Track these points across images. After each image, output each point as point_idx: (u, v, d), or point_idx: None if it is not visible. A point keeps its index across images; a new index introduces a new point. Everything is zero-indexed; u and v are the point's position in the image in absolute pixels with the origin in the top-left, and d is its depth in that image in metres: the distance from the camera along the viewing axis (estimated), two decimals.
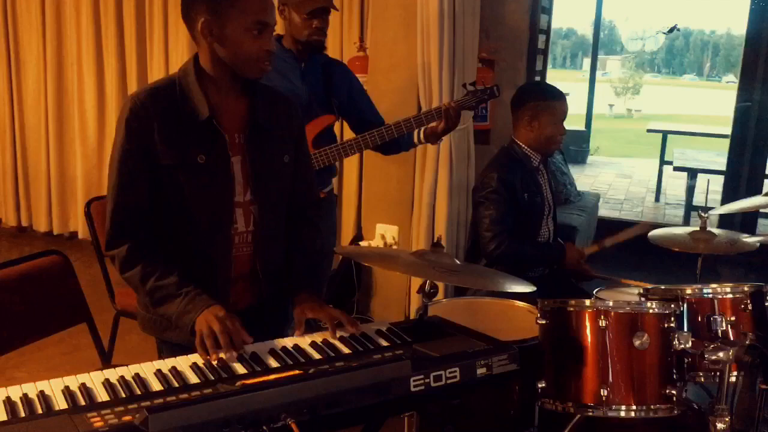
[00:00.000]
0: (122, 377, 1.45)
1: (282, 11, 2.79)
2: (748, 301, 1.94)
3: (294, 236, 1.97)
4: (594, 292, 2.64)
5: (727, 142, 6.13)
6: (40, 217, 5.48)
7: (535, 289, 1.94)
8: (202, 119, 1.75)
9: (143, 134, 1.73)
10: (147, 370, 1.50)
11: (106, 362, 2.53)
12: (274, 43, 1.75)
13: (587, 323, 1.86)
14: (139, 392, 1.41)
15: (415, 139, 2.94)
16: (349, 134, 3.04)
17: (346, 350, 1.66)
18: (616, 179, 10.06)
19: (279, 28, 3.96)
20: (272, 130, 1.86)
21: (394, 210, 3.93)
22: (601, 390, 1.81)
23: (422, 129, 2.89)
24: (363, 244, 4.05)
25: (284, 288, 1.89)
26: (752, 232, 5.30)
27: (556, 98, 2.83)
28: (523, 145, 2.84)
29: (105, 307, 3.09)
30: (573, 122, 11.79)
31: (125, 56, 4.98)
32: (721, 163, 6.74)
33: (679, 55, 39.11)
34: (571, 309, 1.89)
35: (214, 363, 1.55)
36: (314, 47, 2.83)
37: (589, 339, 1.86)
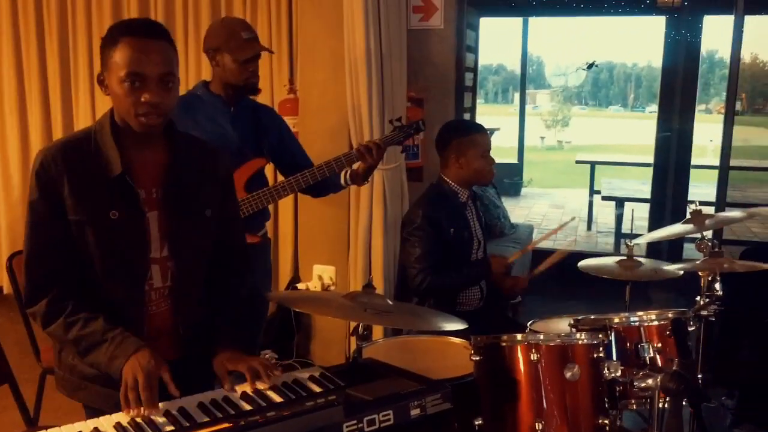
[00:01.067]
0: None
1: (212, 57, 2.77)
2: (671, 328, 2.00)
3: (218, 287, 1.93)
4: (528, 324, 2.67)
5: (651, 170, 6.38)
6: None
7: (466, 326, 1.95)
8: (113, 175, 1.70)
9: (52, 187, 1.68)
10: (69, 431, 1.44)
11: (31, 424, 2.42)
12: (156, 94, 1.65)
13: (520, 357, 1.88)
14: None
15: (342, 181, 2.94)
16: (281, 177, 3.03)
17: (277, 399, 1.63)
18: (550, 210, 10.30)
19: (206, 74, 3.98)
20: (192, 182, 1.82)
21: (331, 250, 3.93)
22: (537, 424, 1.82)
23: (346, 171, 2.90)
24: (300, 286, 4.01)
25: (207, 342, 1.85)
26: (679, 257, 5.49)
27: (477, 131, 2.92)
28: (451, 182, 2.89)
29: (32, 365, 2.96)
30: (506, 155, 12.08)
31: (50, 105, 4.86)
32: (646, 191, 7.00)
33: (604, 87, 40.61)
34: (504, 344, 1.91)
35: (136, 418, 1.50)
36: (250, 90, 2.83)
37: (522, 372, 1.87)
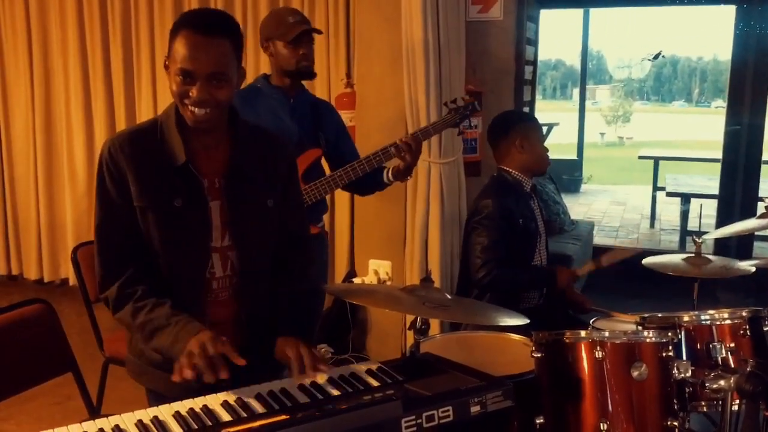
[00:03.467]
0: (101, 429, 1.40)
1: (267, 47, 2.80)
2: (747, 327, 1.90)
3: (281, 278, 1.92)
4: (591, 322, 2.59)
5: (718, 166, 6.15)
6: (31, 265, 5.42)
7: (528, 321, 1.90)
8: (178, 164, 1.73)
9: (118, 174, 1.71)
10: (128, 421, 1.45)
11: (94, 412, 2.46)
12: (202, 91, 1.65)
13: (584, 355, 1.81)
14: None
15: (384, 179, 2.90)
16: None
17: (335, 392, 1.61)
18: (610, 207, 10.06)
19: (266, 67, 4.00)
20: (254, 173, 1.83)
21: (387, 245, 3.90)
22: (601, 424, 1.75)
23: (388, 169, 2.85)
24: (356, 280, 4.00)
25: (269, 332, 1.84)
26: (748, 255, 5.27)
27: (534, 120, 3.05)
28: (513, 171, 2.83)
29: (96, 355, 3.03)
30: (565, 151, 11.87)
31: (113, 100, 4.99)
32: (714, 187, 6.74)
33: (668, 82, 39.53)
34: (567, 340, 1.85)
35: (191, 378, 1.51)
36: (304, 75, 2.83)
37: (586, 371, 1.81)
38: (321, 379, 1.66)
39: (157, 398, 1.75)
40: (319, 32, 2.88)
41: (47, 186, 5.28)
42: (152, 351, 1.76)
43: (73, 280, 5.20)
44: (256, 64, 4.39)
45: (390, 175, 2.87)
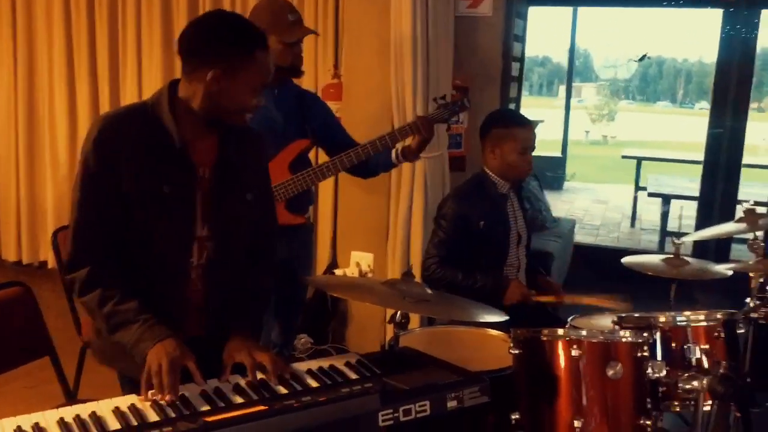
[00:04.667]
0: (78, 416, 1.39)
1: None
2: (721, 329, 1.93)
3: (247, 273, 1.93)
4: (569, 320, 2.61)
5: (700, 168, 6.21)
6: (10, 247, 5.36)
7: (507, 318, 1.91)
8: (175, 149, 1.72)
9: (110, 155, 1.70)
10: (105, 407, 1.45)
11: (71, 397, 2.46)
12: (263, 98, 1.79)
13: (560, 352, 1.84)
14: (94, 431, 1.35)
15: (393, 159, 2.91)
16: (323, 160, 3.02)
17: (314, 384, 1.62)
18: (592, 205, 10.13)
19: None
20: (240, 166, 1.85)
21: (369, 237, 3.91)
22: (575, 421, 1.78)
23: (399, 148, 2.87)
24: (338, 272, 4.01)
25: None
26: (726, 257, 5.34)
27: (518, 124, 2.80)
28: (490, 173, 2.83)
29: (74, 339, 3.01)
30: (549, 148, 11.91)
31: (98, 83, 4.93)
32: (695, 188, 6.81)
33: (653, 82, 39.73)
34: (545, 338, 1.87)
35: (158, 400, 1.51)
36: (295, 73, 2.84)
37: (562, 368, 1.83)
38: (300, 371, 1.67)
39: (130, 383, 1.75)
40: (317, 34, 2.90)
41: (28, 168, 5.21)
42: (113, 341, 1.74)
43: (52, 263, 5.15)
44: None
45: (400, 154, 2.87)
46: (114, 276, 1.72)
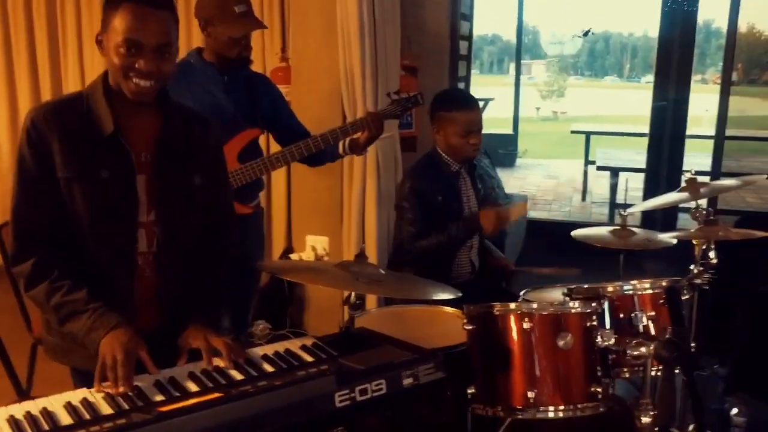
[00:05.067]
0: (28, 413, 1.37)
1: (204, 27, 2.73)
2: (666, 296, 1.99)
3: (205, 260, 1.90)
4: (521, 293, 2.66)
5: (646, 140, 6.35)
6: None
7: (460, 294, 1.94)
8: (106, 134, 1.69)
9: (42, 145, 1.67)
10: (56, 403, 1.42)
11: (23, 394, 2.41)
12: (149, 62, 1.65)
13: (513, 326, 1.87)
14: (47, 427, 1.33)
15: (340, 150, 2.91)
16: (275, 148, 2.99)
17: (269, 368, 1.62)
18: (544, 180, 10.28)
19: (197, 41, 3.90)
20: (182, 149, 1.81)
21: (324, 220, 3.90)
22: (528, 392, 1.82)
23: (346, 140, 2.87)
24: (293, 256, 4.00)
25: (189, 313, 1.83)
26: (673, 226, 5.49)
27: (459, 108, 2.79)
28: (441, 152, 2.86)
29: (24, 336, 2.94)
30: (501, 125, 12.03)
31: (38, 73, 4.80)
32: (642, 161, 6.97)
33: (600, 57, 40.37)
34: (497, 312, 1.90)
35: (111, 392, 1.49)
36: (241, 62, 2.79)
37: (515, 341, 1.87)
38: (222, 363, 1.65)
39: (82, 377, 1.72)
40: (265, 27, 2.85)
41: None
42: (64, 333, 1.72)
43: None
44: (187, 36, 4.29)
45: (347, 146, 2.87)
46: (60, 266, 1.69)
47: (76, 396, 1.45)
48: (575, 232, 2.75)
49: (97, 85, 1.74)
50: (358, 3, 3.41)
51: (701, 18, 6.30)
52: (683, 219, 5.78)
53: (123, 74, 1.66)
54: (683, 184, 2.55)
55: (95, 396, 1.47)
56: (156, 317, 1.82)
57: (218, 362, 1.64)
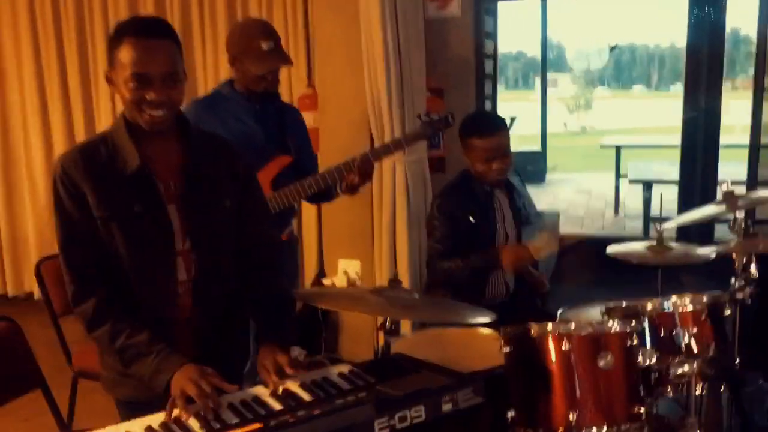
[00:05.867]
0: None
1: (233, 62, 2.77)
2: (707, 312, 1.95)
3: (253, 281, 1.93)
4: (558, 313, 2.63)
5: (678, 151, 6.26)
6: None
7: (494, 318, 1.92)
8: (132, 170, 1.73)
9: (75, 189, 1.72)
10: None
11: (65, 428, 2.44)
12: (159, 93, 1.68)
13: (551, 347, 1.84)
14: None
15: (338, 190, 2.91)
16: None
17: (307, 398, 1.62)
18: (576, 195, 10.18)
19: (225, 72, 3.96)
20: (209, 175, 1.84)
21: (355, 244, 3.91)
22: (570, 413, 1.78)
23: (341, 183, 2.84)
24: (326, 281, 4.00)
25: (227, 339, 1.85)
26: (710, 238, 5.39)
27: (479, 134, 2.75)
28: (474, 173, 2.85)
29: (64, 369, 2.99)
30: (529, 142, 11.97)
31: (71, 109, 4.91)
32: (675, 172, 6.86)
33: (627, 69, 40.09)
34: (534, 334, 1.87)
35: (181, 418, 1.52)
36: (269, 97, 2.83)
37: (553, 363, 1.83)
38: (293, 385, 1.67)
39: (128, 408, 1.76)
40: (291, 64, 2.87)
41: (7, 198, 5.18)
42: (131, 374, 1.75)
43: (37, 294, 5.10)
44: (215, 68, 4.36)
45: (341, 189, 2.87)
46: (119, 306, 1.75)
47: (118, 429, 1.47)
48: (610, 249, 2.71)
49: (119, 122, 1.79)
50: (382, 28, 3.45)
51: (729, 25, 6.23)
52: (720, 229, 5.67)
53: (136, 107, 1.70)
54: (720, 197, 2.50)
55: (137, 428, 1.48)
56: (191, 345, 1.84)
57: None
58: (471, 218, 2.77)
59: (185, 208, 1.80)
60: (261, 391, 1.66)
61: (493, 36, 4.64)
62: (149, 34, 1.68)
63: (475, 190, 2.84)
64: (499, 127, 2.83)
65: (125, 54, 1.66)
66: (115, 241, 1.74)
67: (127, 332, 1.71)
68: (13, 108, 5.06)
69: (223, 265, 1.88)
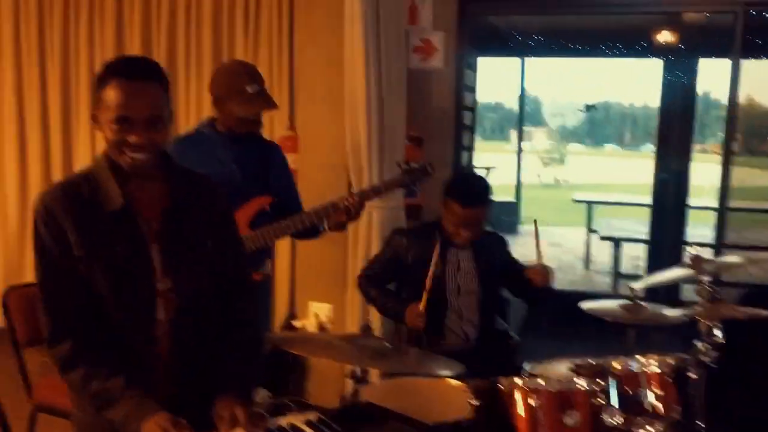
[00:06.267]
0: None
1: (217, 103, 2.79)
2: (673, 374, 1.97)
3: (221, 326, 1.90)
4: (525, 367, 2.63)
5: (648, 210, 6.39)
6: None
7: (463, 370, 1.93)
8: (115, 209, 1.73)
9: (56, 227, 1.70)
10: None
11: None
12: (141, 137, 1.68)
13: (519, 402, 1.85)
14: None
15: (322, 228, 2.95)
16: None
17: None
18: (548, 248, 10.27)
19: (207, 110, 3.98)
20: (191, 215, 1.83)
21: (327, 287, 3.91)
22: None
23: (329, 220, 2.88)
24: (297, 323, 3.98)
25: (203, 380, 1.82)
26: (676, 296, 5.47)
27: (459, 201, 2.84)
28: (444, 225, 2.92)
29: (23, 402, 2.91)
30: (503, 193, 12.10)
31: (49, 138, 4.86)
32: (644, 231, 6.99)
33: (600, 126, 40.98)
34: (503, 388, 1.88)
35: None
36: (252, 134, 2.85)
37: (522, 418, 1.84)
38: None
39: None
40: (276, 107, 2.89)
41: None
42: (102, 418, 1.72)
43: (2, 323, 4.99)
44: (198, 105, 4.38)
45: (327, 225, 2.89)
46: (96, 349, 1.72)
47: None
48: (585, 305, 2.73)
49: (101, 160, 1.78)
50: (366, 75, 3.51)
51: (700, 89, 6.44)
52: (686, 288, 5.76)
53: (117, 149, 1.70)
54: (687, 261, 2.55)
55: None
56: (169, 386, 1.81)
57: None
58: (410, 258, 2.94)
59: (167, 248, 1.79)
60: None
61: (472, 89, 4.75)
62: (135, 75, 1.68)
63: (429, 234, 2.91)
64: (481, 201, 2.90)
65: (110, 95, 1.66)
66: (95, 280, 1.72)
67: (101, 377, 1.68)
68: None
69: (202, 304, 1.86)
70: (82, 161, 4.74)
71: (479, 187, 2.92)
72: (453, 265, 2.96)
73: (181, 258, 1.81)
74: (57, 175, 4.80)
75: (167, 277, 1.79)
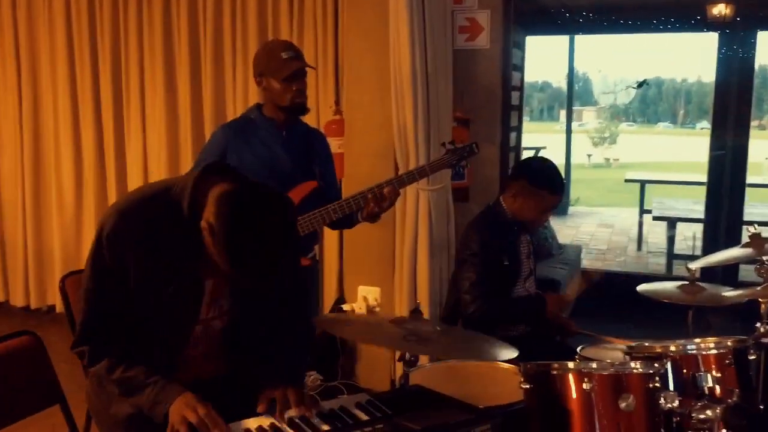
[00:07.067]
0: None
1: (260, 82, 2.82)
2: (732, 357, 1.91)
3: (270, 335, 1.93)
4: (578, 350, 2.60)
5: (704, 189, 6.21)
6: (17, 292, 5.36)
7: (516, 353, 1.90)
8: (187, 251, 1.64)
9: (121, 254, 1.68)
10: None
11: None
12: None
13: (572, 386, 1.81)
14: None
15: (356, 218, 2.91)
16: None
17: (324, 427, 1.61)
18: (598, 229, 10.11)
19: (253, 98, 4.01)
20: None
21: (376, 271, 3.90)
22: None
23: (363, 210, 2.84)
24: (346, 306, 4.00)
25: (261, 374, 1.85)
26: (734, 278, 5.32)
27: (551, 190, 2.80)
28: (507, 210, 2.85)
29: (83, 384, 2.99)
30: None
31: (102, 126, 4.98)
32: (699, 210, 6.80)
33: (653, 104, 39.95)
34: (555, 372, 1.85)
35: None
36: (298, 111, 2.85)
37: (574, 402, 1.81)
38: (293, 413, 1.67)
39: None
40: (313, 68, 2.91)
41: (35, 211, 5.24)
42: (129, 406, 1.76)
43: (60, 308, 5.16)
44: (245, 93, 4.42)
45: (361, 216, 2.87)
46: (120, 347, 1.76)
47: None
48: (642, 287, 2.67)
49: (186, 191, 1.65)
50: (411, 58, 3.47)
51: (758, 63, 6.19)
52: (744, 269, 5.59)
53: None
54: (746, 239, 2.47)
55: None
56: (215, 365, 1.86)
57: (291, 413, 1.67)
58: (505, 260, 2.81)
59: (235, 293, 1.81)
60: (271, 420, 1.65)
61: (520, 68, 4.68)
62: None
63: (505, 228, 2.85)
64: (564, 185, 3.02)
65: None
66: (141, 306, 1.73)
67: (124, 366, 1.72)
68: (46, 120, 5.12)
69: (242, 337, 1.89)
70: (134, 151, 4.85)
71: (559, 173, 2.90)
72: (524, 249, 2.94)
73: (246, 302, 1.85)
74: (110, 165, 4.93)
75: (213, 307, 1.82)
